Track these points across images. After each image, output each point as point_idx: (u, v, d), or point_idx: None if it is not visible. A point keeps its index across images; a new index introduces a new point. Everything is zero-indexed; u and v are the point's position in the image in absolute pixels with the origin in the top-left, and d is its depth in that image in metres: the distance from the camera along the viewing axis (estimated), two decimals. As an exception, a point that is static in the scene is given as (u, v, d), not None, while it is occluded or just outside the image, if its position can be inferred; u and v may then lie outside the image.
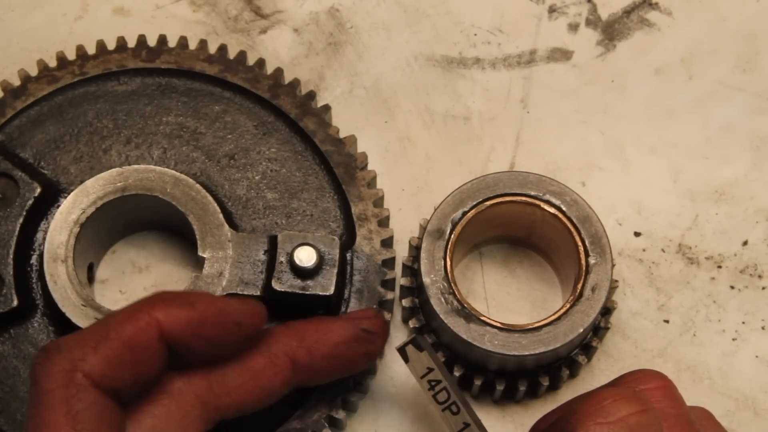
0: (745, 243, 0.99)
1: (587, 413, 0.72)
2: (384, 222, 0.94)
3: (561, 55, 1.05)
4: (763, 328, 0.97)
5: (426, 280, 0.89)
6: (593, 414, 0.72)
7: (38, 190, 0.91)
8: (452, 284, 0.88)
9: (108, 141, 0.95)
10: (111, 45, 0.99)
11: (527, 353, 0.87)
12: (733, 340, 0.96)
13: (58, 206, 0.91)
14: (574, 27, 1.06)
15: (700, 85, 1.04)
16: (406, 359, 0.86)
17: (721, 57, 1.04)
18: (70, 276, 0.89)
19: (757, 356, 0.96)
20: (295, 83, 0.98)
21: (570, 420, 0.72)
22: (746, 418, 0.94)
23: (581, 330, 0.87)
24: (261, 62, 0.99)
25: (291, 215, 0.94)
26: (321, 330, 0.82)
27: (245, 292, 0.89)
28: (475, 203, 0.91)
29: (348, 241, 0.93)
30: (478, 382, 0.91)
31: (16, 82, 0.97)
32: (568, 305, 0.88)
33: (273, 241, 0.89)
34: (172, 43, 0.99)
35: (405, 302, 0.92)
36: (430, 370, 0.85)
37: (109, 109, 0.96)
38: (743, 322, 0.97)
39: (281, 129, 0.96)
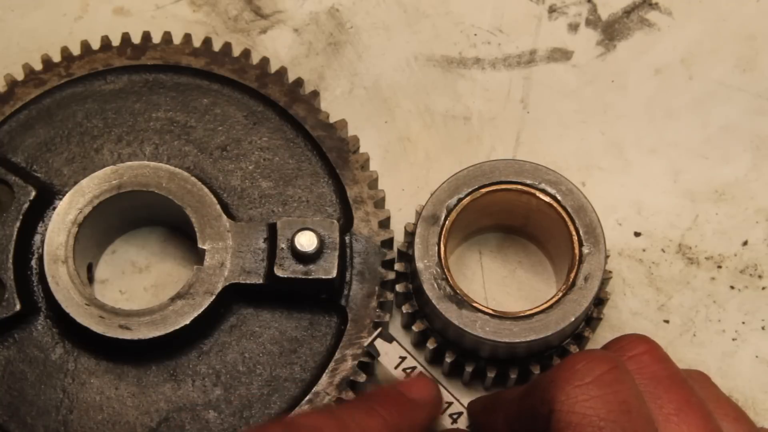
0: (745, 243, 0.99)
1: (564, 378, 0.73)
2: (380, 203, 0.95)
3: (561, 55, 1.05)
4: (763, 328, 0.97)
5: (419, 265, 0.89)
6: (570, 378, 0.73)
7: (33, 193, 0.92)
8: (445, 270, 0.89)
9: (99, 140, 0.95)
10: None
11: (518, 341, 0.87)
12: (733, 340, 0.96)
13: (54, 208, 0.92)
14: (574, 27, 1.06)
15: (700, 85, 1.04)
16: (377, 354, 0.87)
17: (721, 57, 1.04)
18: (71, 276, 0.89)
19: (757, 356, 0.96)
20: (282, 71, 0.98)
21: (548, 388, 0.74)
22: (746, 418, 0.94)
23: (572, 319, 0.87)
24: (246, 53, 0.99)
25: (287, 202, 0.94)
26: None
27: (247, 281, 0.90)
28: (470, 190, 0.91)
29: (346, 224, 0.93)
30: (469, 369, 0.92)
31: (3, 88, 0.97)
32: (560, 294, 0.88)
33: (272, 229, 0.90)
34: (156, 39, 1.00)
35: (399, 287, 0.93)
36: (403, 359, 0.86)
37: (97, 109, 0.96)
38: (743, 322, 0.97)
39: (271, 118, 0.96)
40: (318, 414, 0.79)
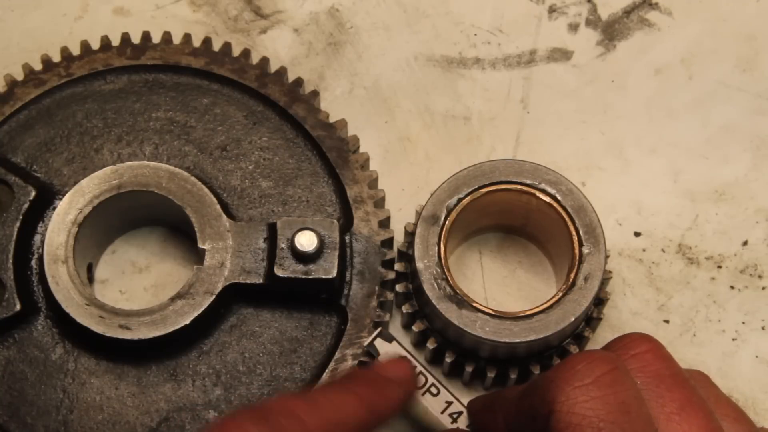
0: (745, 243, 0.99)
1: (564, 379, 0.73)
2: (380, 203, 0.95)
3: (561, 55, 1.05)
4: (763, 328, 0.97)
5: (419, 265, 0.89)
6: (570, 379, 0.73)
7: (33, 193, 0.92)
8: (445, 270, 0.89)
9: (99, 140, 0.95)
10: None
11: (518, 341, 0.87)
12: (733, 340, 0.96)
13: (54, 208, 0.92)
14: (574, 27, 1.06)
15: (700, 85, 1.04)
16: (377, 354, 0.87)
17: (721, 57, 1.04)
18: (71, 276, 0.89)
19: (757, 356, 0.96)
20: (282, 71, 0.98)
21: (548, 389, 0.74)
22: (746, 418, 0.94)
23: (572, 319, 0.87)
24: (246, 53, 0.99)
25: (287, 202, 0.94)
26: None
27: (247, 281, 0.90)
28: (470, 190, 0.91)
29: (346, 224, 0.93)
30: (469, 369, 0.92)
31: (3, 88, 0.97)
32: (560, 294, 0.88)
33: (272, 229, 0.90)
34: (156, 39, 0.99)
35: (399, 287, 0.93)
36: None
37: (97, 109, 0.96)
38: (743, 322, 0.97)
39: (271, 117, 0.96)
40: (289, 396, 0.78)
